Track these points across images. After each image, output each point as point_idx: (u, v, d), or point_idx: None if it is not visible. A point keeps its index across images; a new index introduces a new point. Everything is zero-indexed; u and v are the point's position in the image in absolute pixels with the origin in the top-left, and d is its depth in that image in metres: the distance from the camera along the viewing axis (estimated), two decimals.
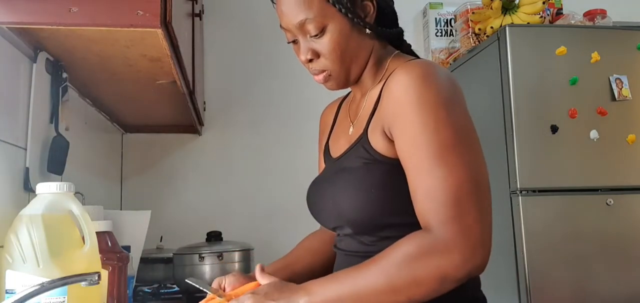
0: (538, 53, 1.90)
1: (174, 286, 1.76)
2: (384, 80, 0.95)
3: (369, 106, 0.98)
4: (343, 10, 0.92)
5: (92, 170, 1.84)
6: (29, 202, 0.92)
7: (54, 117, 1.30)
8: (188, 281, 0.98)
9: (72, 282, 0.77)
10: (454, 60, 2.36)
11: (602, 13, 2.13)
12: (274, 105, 2.51)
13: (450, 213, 0.79)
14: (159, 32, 1.07)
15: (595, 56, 1.91)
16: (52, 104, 1.30)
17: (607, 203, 1.85)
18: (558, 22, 2.08)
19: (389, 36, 1.01)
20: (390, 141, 0.89)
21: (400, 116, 0.86)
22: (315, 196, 1.04)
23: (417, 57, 1.04)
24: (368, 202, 0.89)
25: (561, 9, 2.17)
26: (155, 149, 2.40)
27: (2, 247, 0.89)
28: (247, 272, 1.68)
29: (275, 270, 1.07)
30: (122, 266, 1.09)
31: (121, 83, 1.51)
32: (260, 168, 2.45)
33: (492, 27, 2.04)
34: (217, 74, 2.48)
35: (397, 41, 1.04)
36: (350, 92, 1.14)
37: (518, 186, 1.81)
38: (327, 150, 1.11)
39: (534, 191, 1.82)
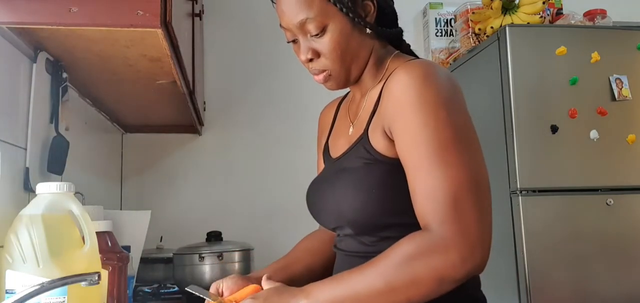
0: (538, 53, 1.90)
1: (174, 286, 1.76)
2: (384, 80, 0.95)
3: (369, 106, 0.98)
4: (344, 9, 0.92)
5: (92, 170, 1.84)
6: (29, 202, 0.92)
7: (54, 117, 1.30)
8: (188, 289, 0.98)
9: (72, 282, 0.77)
10: (454, 60, 2.36)
11: (602, 13, 2.13)
12: (274, 105, 2.51)
13: (449, 213, 0.79)
14: (159, 32, 1.07)
15: (595, 56, 1.91)
16: (52, 104, 1.30)
17: (607, 203, 1.85)
18: (558, 22, 2.08)
19: (389, 36, 1.01)
20: (391, 141, 0.89)
21: (401, 116, 0.86)
22: (315, 196, 1.04)
23: (417, 57, 1.04)
24: (369, 202, 0.89)
25: (561, 9, 2.17)
26: (155, 149, 2.40)
27: (2, 247, 0.89)
28: (247, 272, 1.68)
29: (274, 270, 1.07)
30: (122, 266, 1.09)
31: (121, 83, 1.51)
32: (260, 168, 2.45)
33: (492, 27, 2.04)
34: (217, 74, 2.48)
35: (397, 41, 1.04)
36: (349, 91, 1.14)
37: (518, 186, 1.81)
38: (326, 150, 1.11)
39: (534, 191, 1.82)
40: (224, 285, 0.99)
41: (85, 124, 1.71)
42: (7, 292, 0.84)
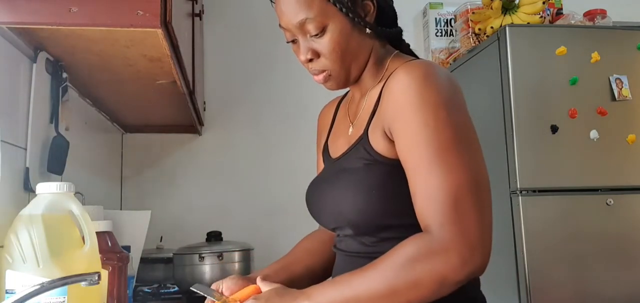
0: (538, 53, 1.90)
1: (174, 286, 1.76)
2: (384, 80, 0.95)
3: (368, 106, 0.98)
4: (344, 9, 0.91)
5: (92, 170, 1.84)
6: (29, 202, 0.92)
7: (54, 117, 1.30)
8: (193, 288, 0.98)
9: (72, 282, 0.77)
10: (454, 60, 2.36)
11: (602, 13, 2.13)
12: (274, 104, 2.51)
13: (449, 214, 0.79)
14: (159, 32, 1.07)
15: (595, 56, 1.91)
16: (52, 104, 1.30)
17: (607, 203, 1.85)
18: (558, 22, 2.08)
19: (388, 35, 1.01)
20: (391, 142, 0.89)
21: (401, 116, 0.86)
22: (315, 196, 1.04)
23: (416, 56, 1.04)
24: (369, 203, 0.89)
25: (561, 9, 2.17)
26: (155, 148, 2.40)
27: (2, 247, 0.89)
28: (247, 272, 1.68)
29: (274, 271, 1.07)
30: (122, 266, 1.09)
31: (121, 83, 1.51)
32: (260, 168, 2.45)
33: (492, 27, 2.04)
34: (217, 74, 2.48)
35: (397, 41, 1.04)
36: (348, 91, 1.14)
37: (518, 186, 1.81)
38: (326, 151, 1.11)
39: (534, 191, 1.82)
40: (224, 286, 0.99)
41: (85, 123, 1.71)
42: (7, 292, 0.84)
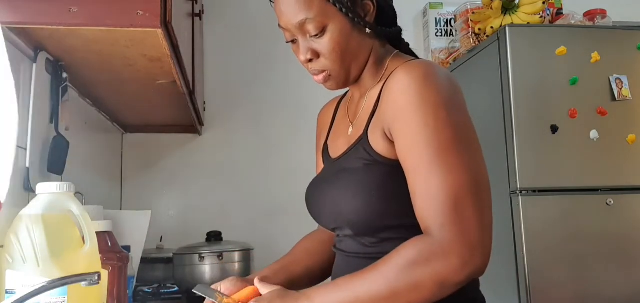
0: (538, 53, 1.90)
1: (174, 286, 1.76)
2: (384, 80, 0.95)
3: (368, 106, 0.98)
4: (344, 9, 0.91)
5: (92, 170, 1.84)
6: (29, 202, 0.92)
7: (54, 117, 1.30)
8: (195, 291, 0.98)
9: (72, 282, 0.77)
10: (454, 60, 2.36)
11: (602, 13, 2.13)
12: (274, 104, 2.51)
13: (449, 216, 0.79)
14: (159, 32, 1.07)
15: (595, 56, 1.91)
16: (52, 104, 1.30)
17: (607, 203, 1.85)
18: (558, 22, 2.08)
19: (388, 35, 1.01)
20: (391, 142, 0.89)
21: (400, 117, 0.86)
22: (315, 196, 1.04)
23: (416, 56, 1.04)
24: (369, 203, 0.89)
25: (561, 9, 2.17)
26: (155, 149, 2.40)
27: (2, 247, 0.89)
28: (247, 272, 1.68)
29: (273, 271, 1.06)
30: (122, 266, 1.09)
31: (121, 83, 1.51)
32: (260, 168, 2.45)
33: (492, 27, 2.04)
34: (217, 74, 2.48)
35: (396, 40, 1.04)
36: (348, 90, 1.14)
37: (518, 186, 1.81)
38: (325, 150, 1.11)
39: (534, 191, 1.82)
40: (223, 288, 0.99)
41: (85, 123, 1.71)
42: (7, 292, 0.84)
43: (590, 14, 2.13)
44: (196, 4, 1.77)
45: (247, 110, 2.49)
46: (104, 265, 0.99)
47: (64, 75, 1.32)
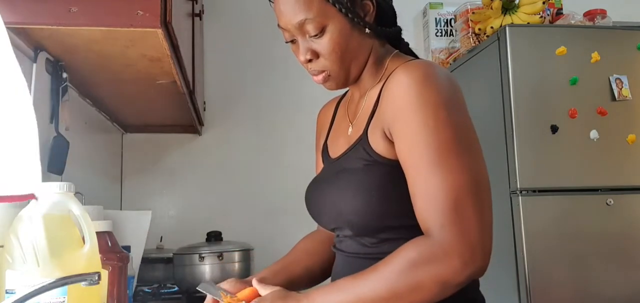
0: (538, 53, 1.90)
1: (174, 286, 1.76)
2: (384, 80, 0.95)
3: (368, 106, 0.98)
4: (343, 10, 0.91)
5: (92, 170, 1.84)
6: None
7: (54, 117, 1.30)
8: (199, 288, 0.99)
9: (72, 282, 0.77)
10: (454, 60, 2.36)
11: (602, 13, 2.13)
12: (274, 104, 2.51)
13: (449, 217, 0.79)
14: (159, 32, 1.07)
15: (595, 56, 1.91)
16: (52, 104, 1.30)
17: (607, 203, 1.85)
18: (558, 22, 2.08)
19: (388, 35, 1.01)
20: (391, 142, 0.89)
21: (400, 117, 0.86)
22: (315, 197, 1.04)
23: (416, 56, 1.04)
24: (368, 204, 0.89)
25: (561, 9, 2.17)
26: (155, 148, 2.40)
27: (2, 247, 0.89)
28: (247, 272, 1.68)
29: (273, 272, 1.06)
30: (122, 266, 1.09)
31: (121, 83, 1.51)
32: (260, 168, 2.45)
33: (492, 27, 2.04)
34: (217, 74, 2.48)
35: (396, 40, 1.04)
36: (347, 90, 1.14)
37: (518, 186, 1.81)
38: (325, 150, 1.11)
39: (534, 191, 1.82)
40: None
41: (85, 123, 1.71)
42: (7, 292, 0.84)
43: (590, 14, 2.13)
44: (196, 4, 1.77)
45: (247, 110, 2.49)
46: (104, 265, 0.99)
47: (64, 75, 1.32)
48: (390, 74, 0.92)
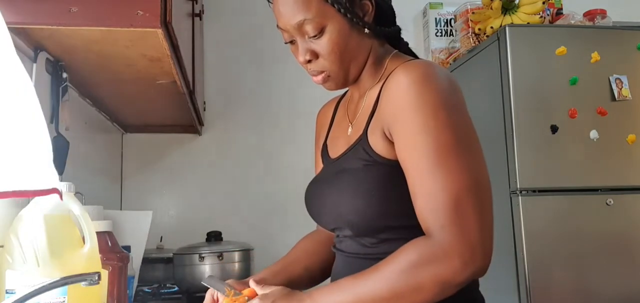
0: (538, 53, 1.90)
1: (174, 286, 1.76)
2: (383, 80, 0.95)
3: (368, 106, 0.98)
4: (342, 10, 0.91)
5: (92, 170, 1.84)
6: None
7: (54, 117, 1.30)
8: (204, 282, 0.99)
9: (72, 282, 0.77)
10: (454, 60, 2.36)
11: (602, 13, 2.13)
12: (274, 104, 2.51)
13: (450, 217, 0.79)
14: (159, 32, 1.07)
15: (595, 56, 1.91)
16: (52, 104, 1.30)
17: (607, 203, 1.85)
18: (558, 22, 2.08)
19: (387, 35, 1.01)
20: (390, 142, 0.89)
21: (400, 118, 0.85)
22: (314, 197, 1.04)
23: (415, 56, 1.04)
24: (368, 204, 0.89)
25: (561, 9, 2.17)
26: (155, 148, 2.40)
27: (2, 247, 0.89)
28: (247, 272, 1.68)
29: (273, 273, 1.06)
30: (122, 266, 1.09)
31: (121, 83, 1.51)
32: (260, 168, 2.45)
33: (492, 27, 2.04)
34: (217, 74, 2.48)
35: (395, 40, 1.04)
36: (347, 90, 1.14)
37: (518, 186, 1.81)
38: (325, 151, 1.11)
39: (534, 191, 1.82)
40: (218, 293, 0.99)
41: (85, 124, 1.71)
42: (7, 292, 0.84)
43: (590, 14, 2.13)
44: (196, 4, 1.77)
45: (247, 110, 2.49)
46: (104, 265, 0.99)
47: (64, 75, 1.32)
48: (390, 74, 0.92)
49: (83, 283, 0.77)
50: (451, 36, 2.60)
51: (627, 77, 1.93)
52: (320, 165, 1.12)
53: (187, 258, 1.66)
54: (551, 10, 2.13)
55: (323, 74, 0.96)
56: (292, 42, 0.97)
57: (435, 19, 2.65)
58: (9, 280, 0.84)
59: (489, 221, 0.82)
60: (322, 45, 0.93)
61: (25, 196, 0.62)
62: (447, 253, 0.78)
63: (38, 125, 0.67)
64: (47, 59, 1.25)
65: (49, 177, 0.65)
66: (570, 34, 1.94)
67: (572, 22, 2.08)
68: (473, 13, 2.21)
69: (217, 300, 0.98)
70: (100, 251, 0.95)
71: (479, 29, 2.15)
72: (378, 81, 0.98)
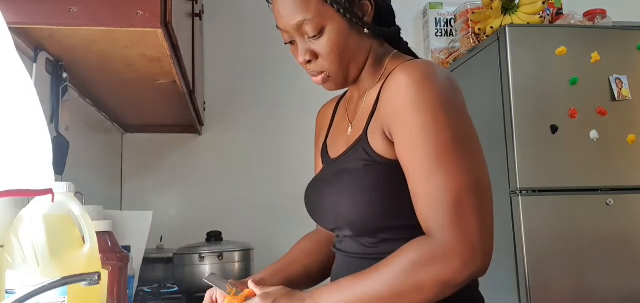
0: (538, 53, 1.90)
1: (174, 286, 1.76)
2: (383, 80, 0.95)
3: (367, 106, 0.98)
4: (341, 10, 0.91)
5: (92, 170, 1.84)
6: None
7: (54, 117, 1.30)
8: (206, 280, 0.99)
9: (72, 282, 0.77)
10: (454, 60, 2.36)
11: (602, 13, 2.13)
12: (274, 105, 2.51)
13: (450, 217, 0.79)
14: (159, 32, 1.07)
15: (595, 56, 1.91)
16: (52, 104, 1.30)
17: (607, 203, 1.85)
18: (558, 22, 2.08)
19: (386, 35, 1.01)
20: (390, 142, 0.89)
21: (400, 118, 0.86)
22: (314, 197, 1.04)
23: (415, 55, 1.04)
24: (368, 204, 0.89)
25: (561, 9, 2.17)
26: (155, 149, 2.40)
27: (2, 247, 0.89)
28: (247, 272, 1.68)
29: (272, 273, 1.06)
30: (122, 266, 1.09)
31: (121, 83, 1.51)
32: (260, 168, 2.45)
33: (492, 27, 2.04)
34: (217, 74, 2.48)
35: (395, 40, 1.04)
36: (347, 90, 1.14)
37: (518, 186, 1.81)
38: (324, 151, 1.11)
39: (534, 191, 1.82)
40: (218, 292, 0.99)
41: (85, 124, 1.72)
42: (7, 292, 0.84)
43: (590, 14, 2.13)
44: (196, 4, 1.77)
45: (247, 110, 2.49)
46: (104, 265, 0.99)
47: (64, 75, 1.32)
48: (390, 74, 0.92)
49: (83, 283, 0.77)
50: (451, 36, 2.60)
51: (627, 77, 1.93)
52: (320, 165, 1.12)
53: (187, 258, 1.67)
54: (551, 10, 2.13)
55: (323, 75, 0.97)
56: (291, 42, 0.97)
57: (435, 19, 2.65)
58: (9, 280, 0.84)
59: (489, 221, 0.82)
60: (322, 45, 0.93)
61: (20, 195, 0.62)
62: (447, 253, 0.78)
63: (38, 125, 0.67)
64: (47, 59, 1.25)
65: (46, 177, 0.65)
66: (570, 34, 1.94)
67: (572, 22, 2.08)
68: (473, 13, 2.21)
69: (216, 301, 0.98)
70: (100, 251, 0.95)
71: (479, 29, 2.15)
72: (378, 81, 0.98)
